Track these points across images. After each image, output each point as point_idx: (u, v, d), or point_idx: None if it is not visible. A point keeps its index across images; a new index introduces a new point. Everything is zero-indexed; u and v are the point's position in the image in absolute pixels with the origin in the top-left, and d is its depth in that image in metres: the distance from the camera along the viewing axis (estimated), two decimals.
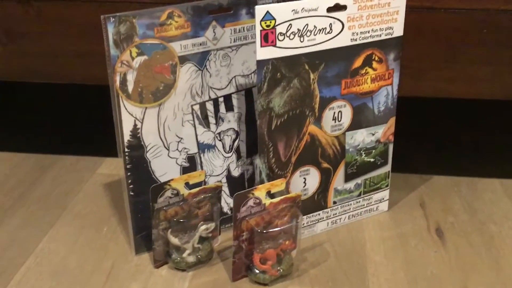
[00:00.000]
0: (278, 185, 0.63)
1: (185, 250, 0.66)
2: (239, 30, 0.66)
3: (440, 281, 0.65)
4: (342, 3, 0.63)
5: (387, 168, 0.75)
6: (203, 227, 0.66)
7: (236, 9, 0.65)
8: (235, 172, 0.73)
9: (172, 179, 0.63)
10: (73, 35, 0.74)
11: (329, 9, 0.62)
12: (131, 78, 0.61)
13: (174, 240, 0.65)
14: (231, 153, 0.71)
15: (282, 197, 0.63)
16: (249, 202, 0.62)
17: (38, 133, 1.03)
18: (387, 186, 0.77)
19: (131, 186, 0.66)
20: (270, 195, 0.64)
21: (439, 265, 0.68)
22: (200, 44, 0.64)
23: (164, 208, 0.64)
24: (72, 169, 0.90)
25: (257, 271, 0.64)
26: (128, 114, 0.63)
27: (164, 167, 0.67)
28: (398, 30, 0.67)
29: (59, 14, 0.73)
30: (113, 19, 0.57)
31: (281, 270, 0.64)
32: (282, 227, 0.63)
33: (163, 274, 0.67)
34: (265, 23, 0.59)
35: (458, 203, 0.81)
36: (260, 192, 0.62)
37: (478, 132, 1.03)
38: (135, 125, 0.63)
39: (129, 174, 0.65)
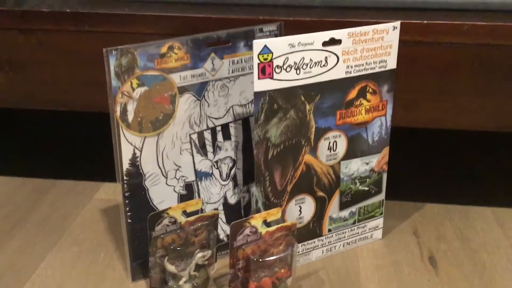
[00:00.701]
0: (274, 214, 0.64)
1: (182, 278, 0.67)
2: (237, 61, 0.68)
3: None
4: (337, 37, 0.65)
5: (381, 196, 0.77)
6: (200, 254, 0.67)
7: (234, 41, 0.67)
8: (232, 200, 0.74)
9: (169, 208, 0.64)
10: (75, 64, 0.76)
11: (325, 43, 0.64)
12: (131, 108, 0.62)
13: (171, 268, 0.66)
14: (228, 181, 0.73)
15: (278, 225, 0.64)
16: (246, 231, 0.63)
17: (36, 158, 1.05)
18: (381, 214, 0.78)
19: (129, 213, 0.67)
20: (266, 223, 0.65)
21: None
22: (199, 75, 0.66)
23: (162, 236, 0.65)
24: (70, 194, 0.91)
25: None
26: (128, 143, 0.64)
27: (162, 194, 0.68)
28: (391, 63, 0.69)
29: (61, 43, 0.75)
30: (115, 51, 0.59)
31: None
32: (277, 256, 0.64)
33: None
34: (263, 56, 0.61)
35: (450, 231, 0.82)
36: (256, 221, 0.63)
37: (471, 160, 1.05)
38: (134, 153, 0.65)
39: (127, 201, 0.66)
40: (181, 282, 0.67)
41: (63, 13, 0.73)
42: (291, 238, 0.66)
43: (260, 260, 0.63)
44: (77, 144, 1.11)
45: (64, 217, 0.85)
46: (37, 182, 0.94)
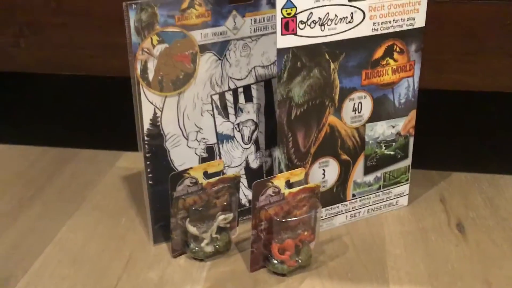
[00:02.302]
0: (297, 174, 0.63)
1: (203, 240, 0.66)
2: (259, 20, 0.66)
3: (461, 275, 0.64)
4: None
5: (407, 162, 0.75)
6: (221, 217, 0.66)
7: None
8: (254, 164, 0.72)
9: (191, 168, 0.63)
10: (94, 27, 0.75)
11: None
12: (151, 66, 0.61)
13: (192, 230, 0.65)
14: (250, 144, 0.71)
15: (301, 187, 0.63)
16: (268, 191, 0.61)
17: (58, 127, 1.04)
18: (407, 180, 0.76)
19: (150, 175, 0.66)
20: (289, 185, 0.64)
21: (460, 259, 0.67)
22: (220, 34, 0.64)
23: (183, 197, 0.64)
24: (91, 162, 0.91)
25: (275, 261, 0.63)
26: (148, 103, 0.63)
27: (183, 156, 0.67)
28: (420, 21, 0.67)
29: (80, 6, 0.74)
30: (135, 6, 0.58)
31: (300, 261, 0.64)
32: (301, 217, 0.62)
33: (181, 263, 0.67)
34: (286, 11, 0.59)
35: (479, 199, 0.79)
36: (279, 181, 0.61)
37: (499, 129, 1.02)
38: (155, 113, 0.64)
39: (148, 163, 0.65)
40: (202, 244, 0.66)
41: None
42: (315, 201, 0.64)
43: (284, 220, 0.62)
44: (99, 113, 1.10)
45: (85, 184, 0.84)
46: (58, 151, 0.94)
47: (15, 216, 0.76)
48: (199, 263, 0.66)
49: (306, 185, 0.63)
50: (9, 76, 0.91)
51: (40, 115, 1.10)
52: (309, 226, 0.64)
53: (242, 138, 0.71)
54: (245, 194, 0.73)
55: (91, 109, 1.13)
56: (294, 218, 0.62)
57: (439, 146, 0.95)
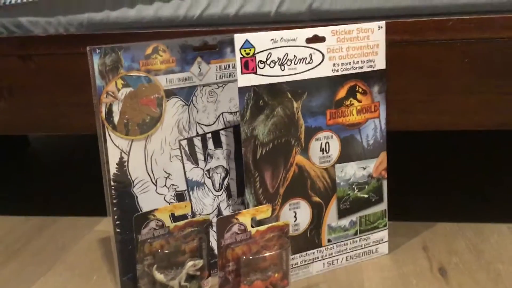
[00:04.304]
0: (263, 211, 0.62)
1: None
2: (224, 67, 0.68)
3: None
4: (320, 34, 0.65)
5: (383, 206, 0.73)
6: (190, 263, 0.64)
7: (221, 47, 0.68)
8: (226, 212, 0.71)
9: (156, 209, 0.63)
10: (74, 86, 0.77)
11: (308, 40, 0.64)
12: (116, 109, 0.62)
13: (160, 277, 0.63)
14: (221, 191, 0.71)
15: (268, 225, 0.62)
16: (234, 228, 0.60)
17: (38, 196, 1.05)
18: (385, 226, 0.74)
19: (117, 222, 0.65)
20: (258, 224, 0.62)
21: None
22: (186, 79, 0.66)
23: (149, 240, 0.63)
24: (71, 228, 0.90)
25: None
26: (114, 146, 0.63)
27: (152, 203, 0.67)
28: (380, 63, 0.69)
29: (56, 66, 0.77)
30: (99, 50, 0.60)
31: None
32: (270, 253, 0.60)
33: None
34: (245, 50, 0.61)
35: (463, 245, 0.77)
36: (244, 217, 0.60)
37: (483, 178, 1.01)
38: (121, 157, 0.64)
39: (115, 209, 0.65)
40: None
41: (58, 36, 0.76)
42: (285, 240, 0.62)
43: (251, 258, 0.60)
44: (78, 179, 1.11)
45: (62, 247, 0.83)
46: (39, 219, 0.94)
47: None
48: None
49: (274, 223, 0.62)
50: None
51: (22, 184, 1.11)
52: (280, 268, 0.62)
53: (213, 185, 0.70)
54: None
55: (73, 175, 1.14)
56: (262, 255, 0.60)
57: (421, 197, 0.93)
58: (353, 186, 0.71)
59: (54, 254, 0.80)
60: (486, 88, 0.70)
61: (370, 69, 0.68)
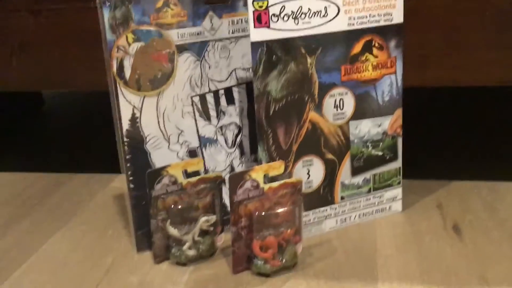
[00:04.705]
0: (276, 167, 0.61)
1: (185, 243, 0.64)
2: (236, 21, 0.67)
3: (456, 273, 0.61)
4: None
5: (398, 163, 0.73)
6: (204, 218, 0.64)
7: (233, 0, 0.66)
8: (239, 169, 0.71)
9: (169, 165, 0.63)
10: (85, 42, 0.77)
11: None
12: (128, 64, 0.62)
13: (173, 231, 0.64)
14: (234, 148, 0.70)
15: (281, 181, 0.61)
16: (246, 184, 0.60)
17: (55, 153, 1.06)
18: (398, 183, 0.73)
19: (131, 178, 0.65)
20: (271, 180, 0.62)
21: (456, 258, 0.63)
22: (198, 34, 0.65)
23: (162, 196, 0.63)
24: (86, 184, 0.91)
25: (258, 262, 0.61)
26: (126, 102, 0.63)
27: (165, 160, 0.67)
28: (397, 17, 0.67)
29: (69, 22, 0.76)
30: (109, 3, 0.59)
31: (284, 261, 0.61)
32: (282, 210, 0.60)
33: (163, 268, 0.65)
34: (258, 3, 0.59)
35: (477, 203, 0.76)
36: (257, 174, 0.60)
37: (499, 136, 0.99)
38: (133, 114, 0.64)
39: (128, 165, 0.65)
40: (184, 248, 0.64)
41: None
42: (297, 197, 0.62)
43: (264, 214, 0.60)
44: (93, 137, 1.11)
45: (78, 203, 0.84)
46: (55, 176, 0.95)
47: (3, 231, 0.76)
48: (182, 268, 0.64)
49: (287, 180, 0.62)
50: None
51: (37, 141, 1.12)
52: (292, 224, 0.62)
53: (226, 142, 0.70)
54: None
55: (88, 131, 1.15)
56: (274, 211, 0.60)
57: (437, 154, 0.92)
58: (367, 144, 0.70)
59: (70, 210, 0.81)
60: (507, 43, 0.68)
61: (387, 22, 0.66)
